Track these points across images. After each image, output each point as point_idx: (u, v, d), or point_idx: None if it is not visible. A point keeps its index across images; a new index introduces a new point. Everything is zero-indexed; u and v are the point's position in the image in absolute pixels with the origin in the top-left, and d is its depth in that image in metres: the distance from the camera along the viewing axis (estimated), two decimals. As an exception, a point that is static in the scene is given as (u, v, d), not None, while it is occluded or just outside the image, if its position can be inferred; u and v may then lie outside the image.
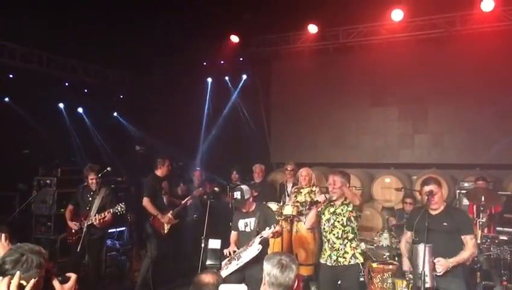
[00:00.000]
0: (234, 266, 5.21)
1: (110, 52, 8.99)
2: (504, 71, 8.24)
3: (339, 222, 5.10)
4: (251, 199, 5.49)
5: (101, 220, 6.12)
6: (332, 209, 5.15)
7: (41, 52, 9.01)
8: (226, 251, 5.44)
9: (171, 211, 6.87)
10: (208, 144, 10.52)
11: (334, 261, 5.00)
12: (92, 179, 6.43)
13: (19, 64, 8.67)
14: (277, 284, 2.62)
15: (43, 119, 9.37)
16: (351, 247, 5.03)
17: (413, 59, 9.04)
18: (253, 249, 5.08)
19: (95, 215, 6.13)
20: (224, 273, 5.19)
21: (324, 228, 5.18)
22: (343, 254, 5.01)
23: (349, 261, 4.99)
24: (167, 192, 7.01)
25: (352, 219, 5.12)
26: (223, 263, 5.45)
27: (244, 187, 5.49)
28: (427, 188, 4.46)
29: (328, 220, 5.15)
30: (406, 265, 4.80)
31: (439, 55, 8.86)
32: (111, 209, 6.23)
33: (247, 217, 5.47)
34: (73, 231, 6.37)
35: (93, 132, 9.80)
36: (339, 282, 5.13)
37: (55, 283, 2.20)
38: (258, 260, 4.88)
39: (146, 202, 6.67)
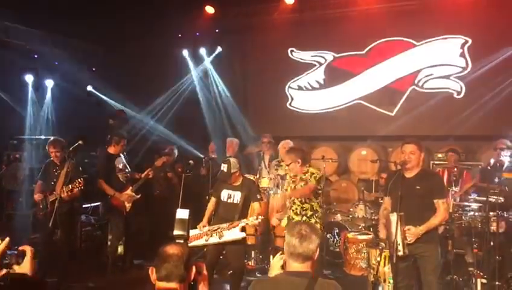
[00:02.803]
0: (215, 240, 5.32)
1: (82, 24, 8.68)
2: (479, 44, 8.27)
3: (297, 198, 5.20)
4: (237, 173, 5.47)
5: (69, 193, 5.96)
6: (293, 186, 5.28)
7: (6, 23, 8.65)
8: (200, 227, 5.49)
9: (130, 187, 6.73)
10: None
11: None
12: (52, 153, 6.28)
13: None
14: (296, 254, 2.55)
15: (11, 92, 9.07)
16: None
17: (390, 30, 8.99)
18: (236, 233, 5.19)
19: (63, 188, 5.97)
20: (197, 243, 5.39)
21: (287, 204, 5.32)
22: None
23: None
24: (122, 169, 6.81)
25: (311, 196, 5.16)
26: (204, 230, 5.46)
27: (232, 160, 5.46)
28: (403, 155, 4.44)
29: (290, 196, 5.27)
30: (382, 233, 4.80)
31: (414, 26, 8.82)
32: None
33: (232, 190, 5.48)
34: (41, 206, 6.21)
35: (65, 105, 9.52)
36: None
37: None
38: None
39: (100, 184, 6.58)
